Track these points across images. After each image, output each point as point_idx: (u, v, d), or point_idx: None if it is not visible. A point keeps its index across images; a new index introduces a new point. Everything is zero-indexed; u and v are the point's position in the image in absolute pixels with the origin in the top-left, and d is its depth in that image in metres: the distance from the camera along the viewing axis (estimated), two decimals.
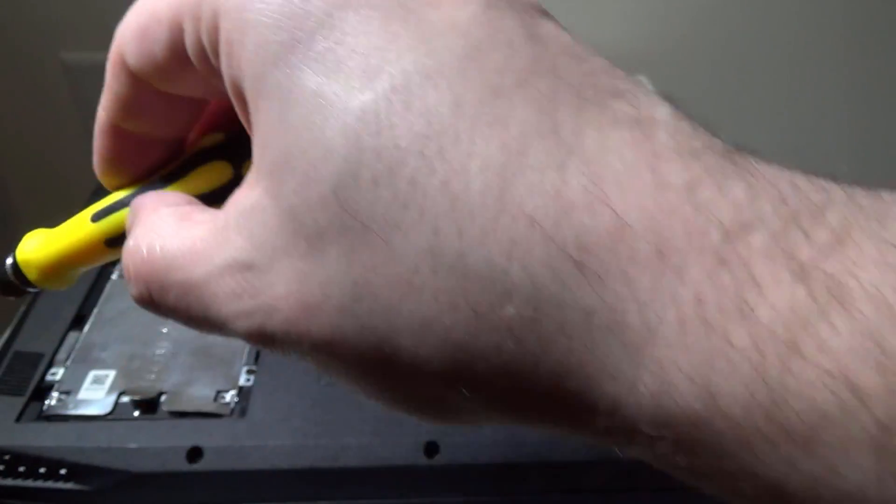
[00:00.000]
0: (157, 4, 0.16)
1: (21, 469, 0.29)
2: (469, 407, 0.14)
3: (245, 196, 0.15)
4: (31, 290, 0.22)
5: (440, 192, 0.12)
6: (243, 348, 0.34)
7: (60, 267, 0.22)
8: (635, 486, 0.32)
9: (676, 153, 0.12)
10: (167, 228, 0.17)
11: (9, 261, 0.22)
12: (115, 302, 0.37)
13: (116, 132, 0.19)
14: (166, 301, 0.17)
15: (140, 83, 0.17)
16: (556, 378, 0.12)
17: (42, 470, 0.29)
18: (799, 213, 0.11)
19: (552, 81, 0.13)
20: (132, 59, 0.17)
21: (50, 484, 0.29)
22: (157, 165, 0.20)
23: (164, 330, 0.35)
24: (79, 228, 0.21)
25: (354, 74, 0.13)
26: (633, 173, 0.12)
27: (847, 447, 0.10)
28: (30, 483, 0.29)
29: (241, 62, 0.14)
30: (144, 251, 0.17)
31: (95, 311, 0.36)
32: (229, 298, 0.15)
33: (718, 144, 0.12)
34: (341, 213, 0.13)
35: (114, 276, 0.39)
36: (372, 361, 0.14)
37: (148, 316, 0.38)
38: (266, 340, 0.16)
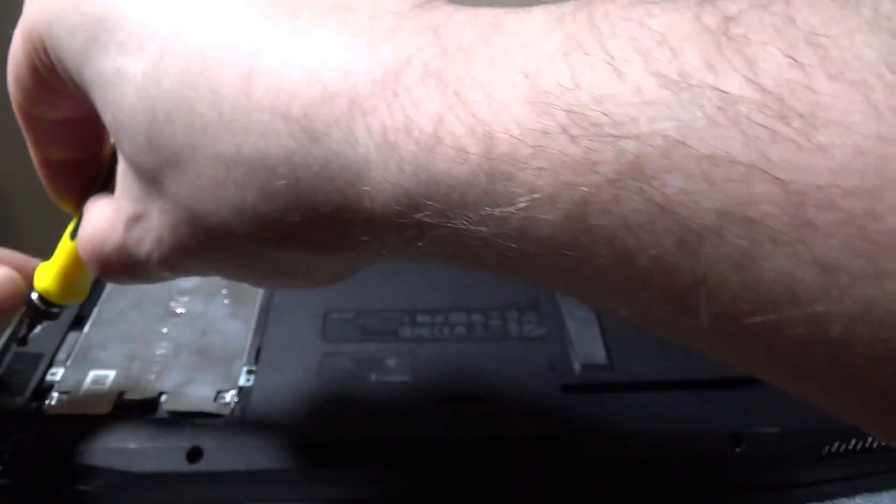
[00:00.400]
0: (13, 47, 0.20)
1: (21, 469, 0.29)
2: (287, 260, 0.18)
3: (118, 168, 0.20)
4: (58, 310, 0.28)
5: (210, 110, 0.16)
6: (243, 348, 0.34)
7: (68, 282, 0.27)
8: (634, 487, 0.32)
9: (368, 29, 0.16)
10: (93, 219, 0.22)
11: (33, 296, 0.28)
12: (115, 302, 0.37)
13: (49, 165, 0.24)
14: (114, 268, 0.21)
15: (38, 120, 0.22)
16: (326, 209, 0.16)
17: (42, 470, 0.29)
18: (447, 47, 0.15)
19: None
20: (21, 102, 0.21)
21: (50, 484, 0.29)
22: (97, 176, 0.24)
23: (164, 330, 0.35)
24: (65, 248, 0.26)
25: (133, 49, 0.17)
26: (338, 51, 0.16)
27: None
28: (30, 483, 0.29)
29: (66, 68, 0.19)
30: (86, 241, 0.22)
31: (95, 311, 0.36)
32: (140, 244, 0.20)
33: (418, 13, 0.16)
34: (157, 150, 0.17)
35: None
36: (221, 244, 0.18)
37: (148, 316, 0.38)
38: (173, 266, 0.20)
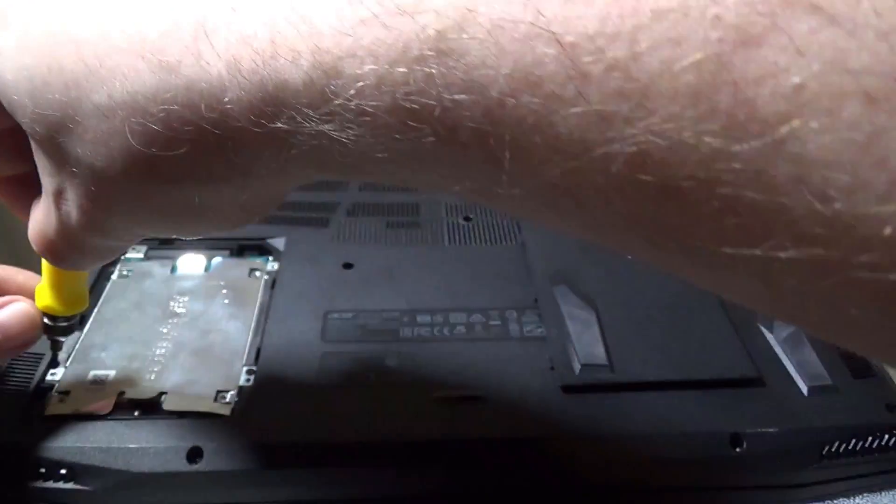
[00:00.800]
0: None
1: (21, 469, 0.29)
2: (191, 198, 0.19)
3: (33, 150, 0.21)
4: (66, 322, 0.30)
5: (77, 64, 0.17)
6: (243, 348, 0.34)
7: (63, 293, 0.29)
8: (634, 487, 0.32)
9: None
10: (36, 214, 0.23)
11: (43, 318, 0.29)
12: (115, 302, 0.37)
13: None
14: (63, 251, 0.23)
15: None
16: (202, 136, 0.17)
17: (42, 470, 0.29)
18: None
19: None
20: None
21: (50, 484, 0.29)
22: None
23: (164, 330, 0.35)
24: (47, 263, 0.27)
25: (1, 26, 0.19)
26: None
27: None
28: (30, 483, 0.29)
29: None
30: (34, 236, 0.23)
31: (95, 311, 0.36)
32: (69, 218, 0.21)
33: None
34: (45, 117, 0.18)
35: (113, 277, 0.39)
36: (127, 195, 0.19)
37: (148, 316, 0.38)
38: (102, 229, 0.21)
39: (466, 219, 0.45)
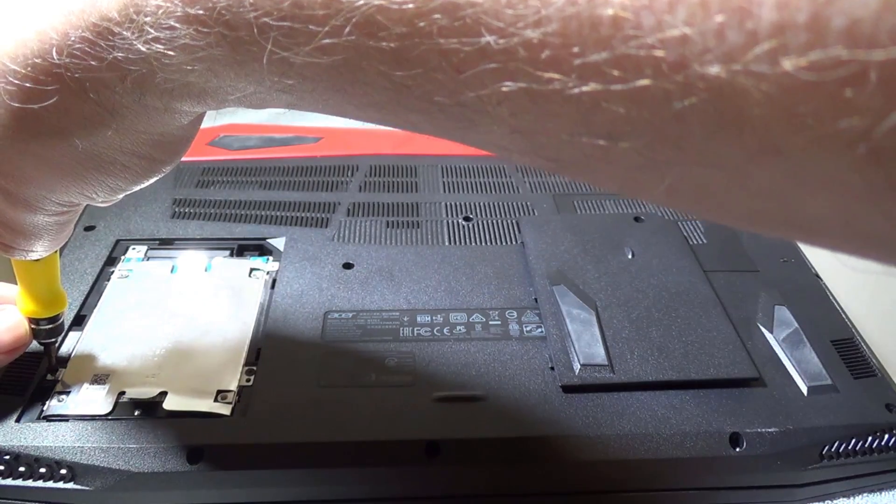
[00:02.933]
0: None
1: (21, 469, 0.29)
2: (85, 143, 0.20)
3: None
4: (51, 324, 0.31)
5: None
6: (243, 348, 0.34)
7: (40, 296, 0.30)
8: (634, 487, 0.32)
9: None
10: None
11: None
12: (115, 303, 0.37)
13: None
14: None
15: None
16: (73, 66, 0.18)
17: (42, 470, 0.29)
18: None
19: None
20: None
21: (50, 484, 0.29)
22: None
23: (164, 330, 0.35)
24: (19, 269, 0.29)
25: None
26: None
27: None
28: (30, 483, 0.29)
29: None
30: None
31: (95, 311, 0.36)
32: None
33: None
34: None
35: (114, 277, 0.39)
36: (19, 154, 0.20)
37: (148, 316, 0.38)
38: (10, 198, 0.22)
39: (466, 219, 0.45)
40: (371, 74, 0.15)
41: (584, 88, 0.12)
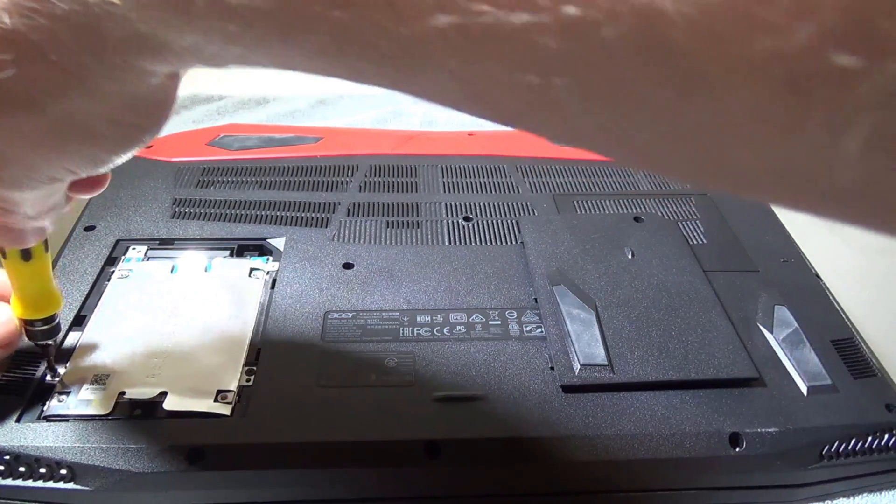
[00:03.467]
0: None
1: (21, 469, 0.29)
2: (53, 111, 0.20)
3: None
4: (46, 325, 0.30)
5: None
6: (243, 348, 0.34)
7: (33, 298, 0.30)
8: (634, 487, 0.32)
9: None
10: None
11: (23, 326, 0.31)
12: (116, 302, 0.37)
13: None
14: None
15: None
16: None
17: (42, 470, 0.29)
18: None
19: None
20: None
21: (50, 484, 0.29)
22: None
23: (164, 330, 0.35)
24: (12, 271, 0.29)
25: None
26: None
27: None
28: (30, 483, 0.29)
29: None
30: None
31: (96, 311, 0.36)
32: None
33: None
34: None
35: (114, 278, 0.39)
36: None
37: (148, 316, 0.38)
38: None
39: (466, 219, 0.45)
40: (309, 17, 0.15)
41: (515, 20, 0.12)
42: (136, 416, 0.31)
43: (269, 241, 0.42)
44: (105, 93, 0.20)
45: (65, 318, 0.36)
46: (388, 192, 0.48)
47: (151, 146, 0.52)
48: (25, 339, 0.31)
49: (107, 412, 0.31)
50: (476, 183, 0.49)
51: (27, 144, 0.21)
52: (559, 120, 0.14)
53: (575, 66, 0.12)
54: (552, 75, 0.13)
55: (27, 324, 0.30)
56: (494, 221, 0.45)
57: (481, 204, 0.47)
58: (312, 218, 0.44)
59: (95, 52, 0.18)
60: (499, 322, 0.37)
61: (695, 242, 0.44)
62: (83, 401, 0.31)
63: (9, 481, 0.29)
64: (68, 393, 0.32)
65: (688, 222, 0.46)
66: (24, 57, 0.18)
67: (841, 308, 0.40)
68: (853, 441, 0.32)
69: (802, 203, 0.13)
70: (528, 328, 0.36)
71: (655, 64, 0.12)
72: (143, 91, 0.21)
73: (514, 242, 0.43)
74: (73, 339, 0.35)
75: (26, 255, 0.28)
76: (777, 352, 0.36)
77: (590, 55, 0.12)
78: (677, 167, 0.14)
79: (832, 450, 0.32)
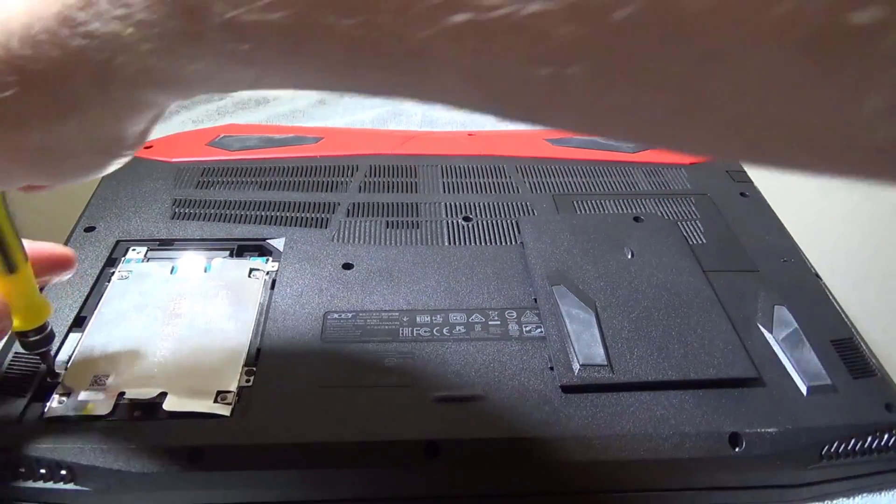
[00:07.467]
0: None
1: (22, 470, 0.29)
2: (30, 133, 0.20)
3: None
4: (38, 335, 0.30)
5: None
6: (243, 348, 0.34)
7: (23, 309, 0.29)
8: (634, 487, 0.32)
9: None
10: None
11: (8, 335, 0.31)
12: (116, 303, 0.37)
13: None
14: None
15: None
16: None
17: (43, 471, 0.29)
18: None
19: None
20: None
21: (51, 485, 0.29)
22: None
23: (164, 331, 0.35)
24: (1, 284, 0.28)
25: None
26: None
27: None
28: (30, 484, 0.29)
29: None
30: None
31: (96, 312, 0.36)
32: None
33: None
34: None
35: (114, 279, 0.39)
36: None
37: (148, 317, 0.38)
38: None
39: (466, 219, 0.45)
40: (322, 28, 0.15)
41: (526, 11, 0.12)
42: (136, 416, 0.31)
43: (268, 241, 0.42)
44: (100, 125, 0.20)
45: (65, 320, 0.36)
46: (388, 192, 0.48)
47: (151, 146, 0.52)
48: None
49: (107, 413, 0.31)
50: (476, 183, 0.49)
51: (4, 158, 0.21)
52: (576, 109, 0.14)
53: (589, 52, 0.12)
54: (567, 64, 0.13)
55: (20, 335, 0.30)
56: (494, 221, 0.45)
57: (481, 204, 0.47)
58: (312, 218, 0.44)
59: (101, 85, 0.18)
60: (498, 322, 0.37)
61: (695, 242, 0.44)
62: (83, 401, 0.31)
63: (9, 482, 0.29)
64: (69, 394, 0.32)
65: (688, 222, 0.46)
66: (27, 81, 0.18)
67: (841, 308, 0.40)
68: (853, 441, 0.32)
69: (829, 168, 0.13)
70: (528, 328, 0.36)
71: (671, 40, 0.11)
72: (134, 124, 0.21)
73: (513, 242, 0.43)
74: (73, 340, 0.35)
75: (11, 267, 0.27)
76: (777, 352, 0.36)
77: (603, 39, 0.12)
78: (700, 142, 0.14)
79: (832, 450, 0.32)
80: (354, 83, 0.16)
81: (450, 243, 0.43)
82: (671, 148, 0.15)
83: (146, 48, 0.17)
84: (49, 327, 0.31)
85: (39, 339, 0.30)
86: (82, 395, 0.31)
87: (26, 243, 0.29)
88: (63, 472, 0.29)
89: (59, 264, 0.30)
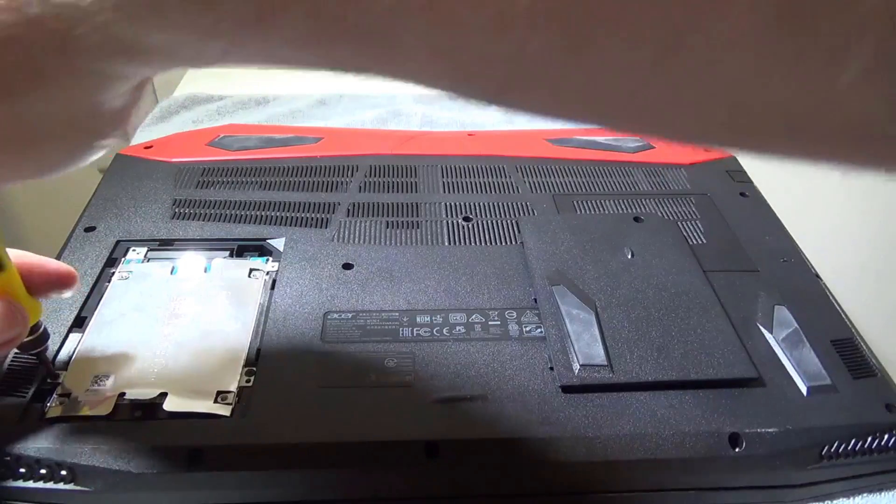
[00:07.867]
0: None
1: (22, 470, 0.29)
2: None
3: None
4: (31, 335, 0.30)
5: None
6: (243, 348, 0.34)
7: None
8: (634, 488, 0.32)
9: None
10: None
11: None
12: (116, 304, 0.37)
13: None
14: None
15: None
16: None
17: (43, 471, 0.29)
18: None
19: None
20: None
21: (51, 485, 0.29)
22: None
23: (165, 331, 0.35)
24: None
25: None
26: None
27: None
28: (31, 484, 0.29)
29: None
30: None
31: (96, 313, 0.36)
32: None
33: None
34: None
35: (114, 279, 0.39)
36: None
37: (148, 317, 0.38)
38: None
39: (466, 219, 0.45)
40: (286, 2, 0.15)
41: None
42: (136, 417, 0.31)
43: (268, 241, 0.42)
44: (70, 98, 0.20)
45: (65, 320, 0.36)
46: (388, 192, 0.48)
47: (151, 146, 0.52)
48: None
49: (107, 413, 0.31)
50: (476, 183, 0.49)
51: None
52: (544, 88, 0.14)
53: (549, 22, 0.12)
54: (528, 37, 0.12)
55: None
56: (494, 222, 0.45)
57: (481, 204, 0.47)
58: (312, 218, 0.44)
59: (63, 54, 0.18)
60: (498, 322, 0.37)
61: (695, 242, 0.44)
62: (83, 402, 0.31)
63: (9, 482, 0.29)
64: (69, 394, 0.32)
65: (688, 222, 0.46)
66: None
67: (841, 308, 0.40)
68: (853, 441, 0.32)
69: (803, 151, 0.13)
70: (528, 328, 0.36)
71: (637, 7, 0.11)
72: (111, 95, 0.20)
73: (513, 243, 0.43)
74: (73, 340, 0.35)
75: None
76: (777, 352, 0.36)
77: (563, 8, 0.12)
78: (674, 124, 0.14)
79: (832, 450, 0.32)
80: (322, 58, 0.16)
81: (450, 243, 0.43)
82: (645, 132, 0.15)
83: (106, 17, 0.16)
84: (42, 328, 0.31)
85: (33, 340, 0.30)
86: (82, 396, 0.31)
87: (29, 257, 0.29)
88: (63, 472, 0.29)
89: (61, 281, 0.30)
